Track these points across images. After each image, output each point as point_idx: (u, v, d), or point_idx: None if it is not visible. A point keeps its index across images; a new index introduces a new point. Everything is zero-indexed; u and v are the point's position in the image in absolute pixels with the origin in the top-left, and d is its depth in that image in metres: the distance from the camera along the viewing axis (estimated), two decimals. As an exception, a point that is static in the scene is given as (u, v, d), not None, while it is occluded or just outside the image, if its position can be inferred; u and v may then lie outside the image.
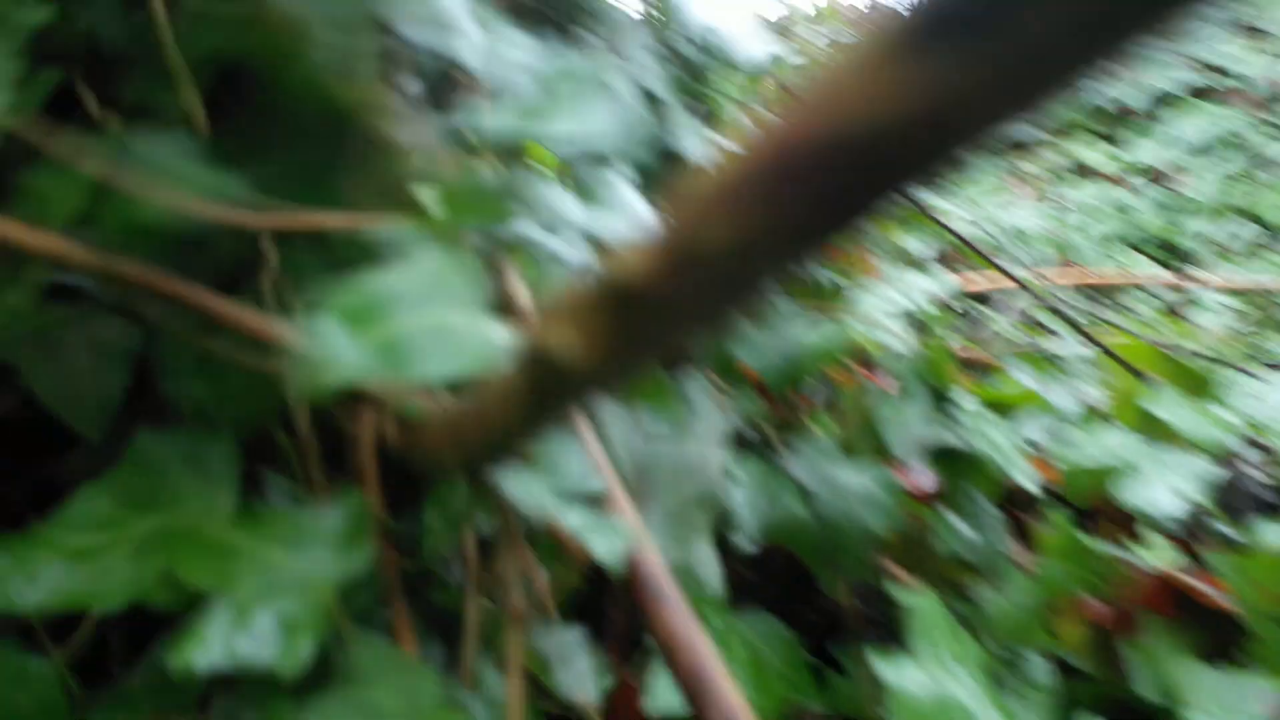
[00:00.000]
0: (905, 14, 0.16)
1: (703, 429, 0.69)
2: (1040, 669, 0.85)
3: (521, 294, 0.47)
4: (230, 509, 0.38)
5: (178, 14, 0.42)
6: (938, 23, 0.16)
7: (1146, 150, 3.23)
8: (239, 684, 0.35)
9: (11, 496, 0.46)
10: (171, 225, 0.37)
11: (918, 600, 0.73)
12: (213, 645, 0.32)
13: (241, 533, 0.37)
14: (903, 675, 0.66)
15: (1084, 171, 3.30)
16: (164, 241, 0.39)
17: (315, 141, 0.46)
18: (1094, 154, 3.31)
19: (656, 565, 0.43)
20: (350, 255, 0.45)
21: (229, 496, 0.39)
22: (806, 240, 0.20)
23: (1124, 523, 1.12)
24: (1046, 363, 1.42)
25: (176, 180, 0.39)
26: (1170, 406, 1.11)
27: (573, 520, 0.41)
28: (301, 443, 0.46)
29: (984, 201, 2.73)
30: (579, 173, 0.73)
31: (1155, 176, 3.14)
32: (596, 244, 0.47)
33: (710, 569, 0.47)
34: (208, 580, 0.35)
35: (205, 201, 0.38)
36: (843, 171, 0.18)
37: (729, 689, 0.39)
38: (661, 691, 0.46)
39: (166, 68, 0.41)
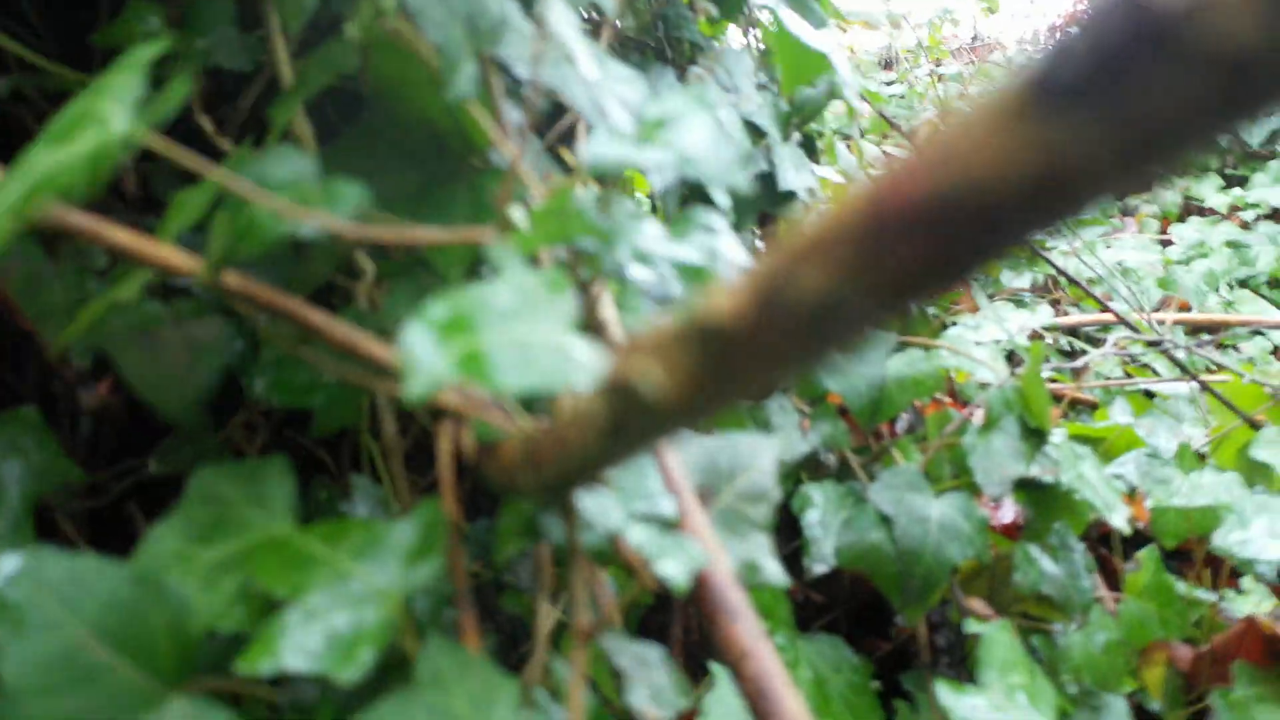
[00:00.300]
0: (1023, 77, 0.15)
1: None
2: (1119, 712, 0.80)
3: (612, 320, 0.46)
4: (289, 532, 0.38)
5: (292, 37, 0.43)
6: (1057, 89, 0.15)
7: (1262, 187, 3.04)
8: (304, 685, 0.35)
9: (111, 486, 0.48)
10: (278, 233, 0.37)
11: (990, 632, 0.69)
12: (279, 652, 0.32)
13: (319, 542, 0.37)
14: (969, 707, 0.62)
15: (1194, 207, 3.12)
16: (267, 252, 0.40)
17: (419, 164, 0.46)
18: (1206, 189, 3.13)
19: (727, 581, 0.42)
20: (445, 270, 0.45)
21: (287, 523, 0.39)
22: (903, 293, 0.19)
23: (1219, 567, 1.04)
24: (1144, 399, 1.35)
25: (290, 193, 0.39)
26: (1274, 449, 1.03)
27: (640, 540, 0.40)
28: (386, 447, 0.46)
29: (1086, 234, 2.61)
30: (674, 204, 0.72)
31: (1272, 214, 2.94)
32: (686, 277, 0.46)
33: (771, 563, 0.46)
34: (283, 588, 0.35)
35: (313, 211, 0.38)
36: (946, 230, 0.17)
37: (795, 705, 0.37)
38: (718, 713, 0.45)
39: (278, 89, 0.41)
